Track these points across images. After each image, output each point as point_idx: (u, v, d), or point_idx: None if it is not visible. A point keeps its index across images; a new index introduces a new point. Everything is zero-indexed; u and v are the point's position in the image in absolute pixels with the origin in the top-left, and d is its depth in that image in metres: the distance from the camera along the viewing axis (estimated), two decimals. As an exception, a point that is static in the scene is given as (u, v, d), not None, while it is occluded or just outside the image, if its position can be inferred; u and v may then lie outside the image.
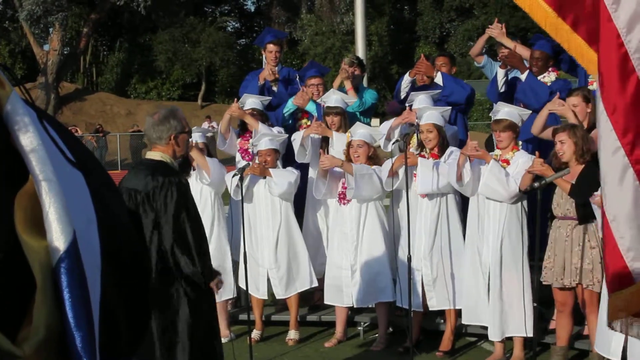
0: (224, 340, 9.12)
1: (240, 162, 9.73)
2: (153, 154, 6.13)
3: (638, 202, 4.21)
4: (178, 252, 5.85)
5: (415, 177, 8.56)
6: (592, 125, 8.50)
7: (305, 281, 9.40)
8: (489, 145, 9.70)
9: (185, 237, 5.88)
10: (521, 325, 8.18)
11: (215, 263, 6.60)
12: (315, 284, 9.48)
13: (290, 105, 10.32)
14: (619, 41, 4.20)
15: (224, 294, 9.06)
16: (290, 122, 10.45)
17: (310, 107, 10.10)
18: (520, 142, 8.69)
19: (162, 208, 5.86)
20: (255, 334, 9.38)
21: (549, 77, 9.59)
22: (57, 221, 1.59)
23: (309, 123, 10.08)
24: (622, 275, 4.33)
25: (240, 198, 8.74)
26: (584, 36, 4.72)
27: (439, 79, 9.81)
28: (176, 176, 6.05)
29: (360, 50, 14.69)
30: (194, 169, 9.19)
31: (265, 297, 9.50)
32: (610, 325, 4.52)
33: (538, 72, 9.57)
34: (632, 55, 4.16)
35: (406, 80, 10.25)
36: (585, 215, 7.82)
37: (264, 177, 9.26)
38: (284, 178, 9.14)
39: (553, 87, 9.45)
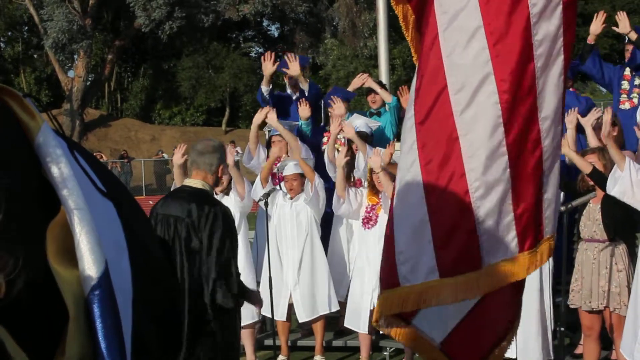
0: (250, 366, 9.18)
1: (266, 187, 9.73)
2: (194, 182, 6.19)
3: (418, 210, 4.29)
4: (219, 285, 5.93)
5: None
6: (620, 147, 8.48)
7: (324, 305, 9.35)
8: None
9: (229, 270, 5.97)
10: (547, 351, 8.12)
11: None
12: (336, 308, 9.44)
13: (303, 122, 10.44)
14: (438, 49, 4.28)
15: (249, 318, 9.04)
16: (309, 134, 10.55)
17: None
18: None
19: (206, 239, 5.91)
20: (281, 359, 9.37)
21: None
22: (89, 251, 1.60)
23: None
24: (391, 275, 4.40)
25: (266, 220, 8.77)
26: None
27: None
28: (221, 206, 6.15)
29: (383, 74, 14.74)
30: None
31: (284, 319, 9.43)
32: (375, 322, 4.61)
33: None
34: (444, 58, 4.25)
35: None
36: (614, 235, 7.77)
37: (292, 198, 9.30)
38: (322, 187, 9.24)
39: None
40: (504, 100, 4.25)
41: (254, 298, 6.48)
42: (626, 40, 10.00)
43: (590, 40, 9.96)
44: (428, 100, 4.36)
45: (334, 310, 9.46)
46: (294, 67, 10.68)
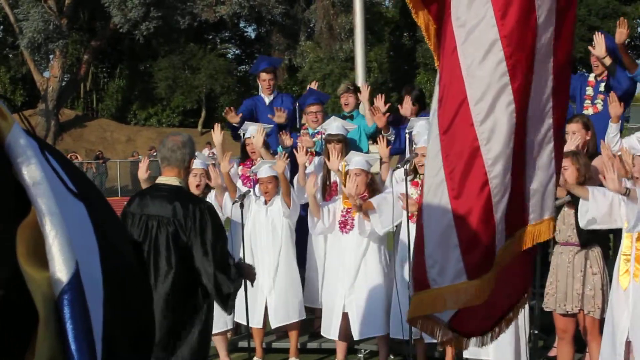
0: (224, 368, 9.16)
1: (241, 189, 9.71)
2: (169, 179, 6.20)
3: (444, 215, 4.53)
4: (220, 277, 6.02)
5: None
6: (592, 152, 8.52)
7: (296, 311, 9.33)
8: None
9: (225, 261, 6.08)
10: (519, 354, 8.14)
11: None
12: (303, 316, 9.41)
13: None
14: (457, 63, 4.48)
15: (221, 325, 8.96)
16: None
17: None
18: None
19: (198, 237, 5.95)
20: (256, 361, 9.35)
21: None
22: (60, 253, 1.58)
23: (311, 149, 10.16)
24: (421, 277, 4.63)
25: (241, 224, 8.73)
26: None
27: None
28: (204, 202, 6.26)
29: (360, 77, 14.79)
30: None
31: (260, 326, 9.40)
32: (410, 322, 4.87)
33: None
34: (463, 72, 4.45)
35: None
36: (587, 240, 7.81)
37: (266, 203, 9.28)
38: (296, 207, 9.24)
39: None
40: (519, 108, 4.46)
41: (249, 273, 6.61)
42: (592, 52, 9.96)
43: None
44: (450, 110, 4.56)
45: (301, 318, 9.41)
46: (280, 116, 10.65)
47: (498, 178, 4.50)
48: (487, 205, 4.54)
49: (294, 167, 9.80)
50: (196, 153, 9.39)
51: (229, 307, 6.19)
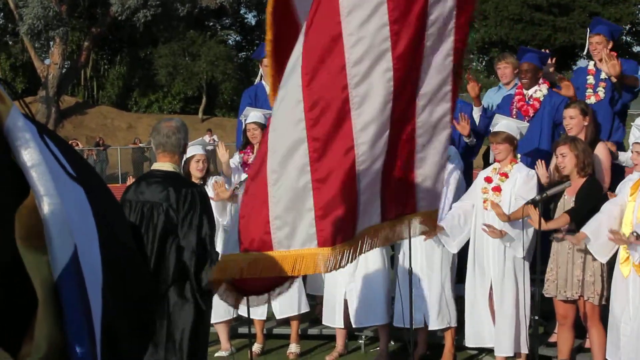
0: (224, 353, 9.17)
1: (242, 176, 9.69)
2: (163, 165, 6.21)
3: (301, 177, 4.26)
4: (200, 263, 5.96)
5: None
6: (591, 139, 8.52)
7: (299, 304, 9.31)
8: (486, 158, 9.68)
9: (205, 249, 6.00)
10: (524, 341, 8.17)
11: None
12: (306, 309, 9.40)
13: None
14: (337, 20, 4.24)
15: (224, 314, 8.98)
16: None
17: None
18: (519, 155, 8.68)
19: (186, 220, 5.95)
20: (256, 347, 9.35)
21: (540, 91, 9.51)
22: (58, 236, 1.59)
23: None
24: (262, 238, 4.36)
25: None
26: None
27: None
28: (197, 186, 6.25)
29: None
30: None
31: (263, 318, 9.41)
32: (210, 286, 4.57)
33: (528, 84, 9.48)
34: (344, 31, 4.22)
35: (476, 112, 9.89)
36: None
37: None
38: None
39: (546, 102, 9.39)
40: (397, 77, 4.24)
41: None
42: (588, 34, 9.89)
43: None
44: (318, 66, 4.29)
45: (304, 311, 9.41)
46: None
47: (366, 145, 4.25)
48: (350, 171, 4.29)
49: None
50: (198, 139, 9.43)
51: (205, 300, 6.08)
